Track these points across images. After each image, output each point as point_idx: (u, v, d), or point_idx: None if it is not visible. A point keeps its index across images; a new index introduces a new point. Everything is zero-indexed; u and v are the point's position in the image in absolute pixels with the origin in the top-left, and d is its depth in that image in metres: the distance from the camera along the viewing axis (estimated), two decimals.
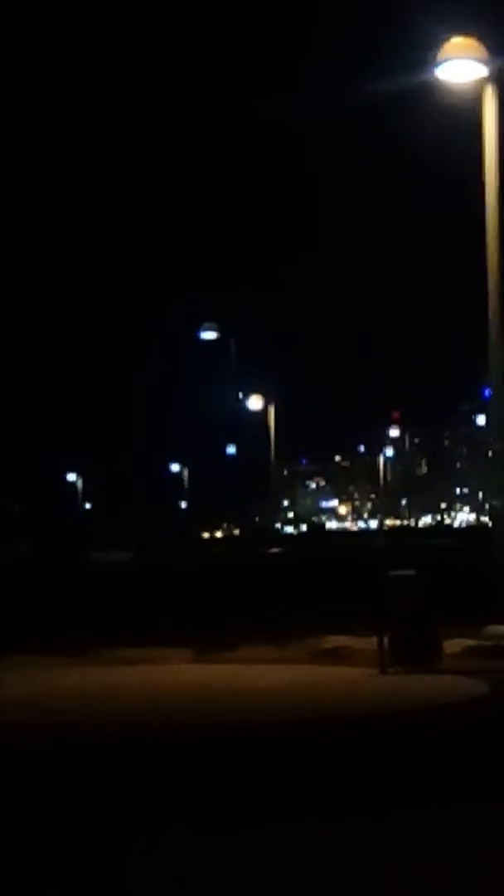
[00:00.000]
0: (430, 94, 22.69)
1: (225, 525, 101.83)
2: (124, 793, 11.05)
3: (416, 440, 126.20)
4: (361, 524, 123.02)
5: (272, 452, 69.12)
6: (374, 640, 19.69)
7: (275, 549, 67.48)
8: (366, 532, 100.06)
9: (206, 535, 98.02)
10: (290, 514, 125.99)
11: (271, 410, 67.45)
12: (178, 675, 19.44)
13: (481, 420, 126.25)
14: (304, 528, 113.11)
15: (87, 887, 8.17)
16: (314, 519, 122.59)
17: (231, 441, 69.16)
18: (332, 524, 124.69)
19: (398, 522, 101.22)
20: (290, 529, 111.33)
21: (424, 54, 22.08)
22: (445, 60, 21.87)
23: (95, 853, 8.96)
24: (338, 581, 33.29)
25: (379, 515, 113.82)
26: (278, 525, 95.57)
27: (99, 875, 8.42)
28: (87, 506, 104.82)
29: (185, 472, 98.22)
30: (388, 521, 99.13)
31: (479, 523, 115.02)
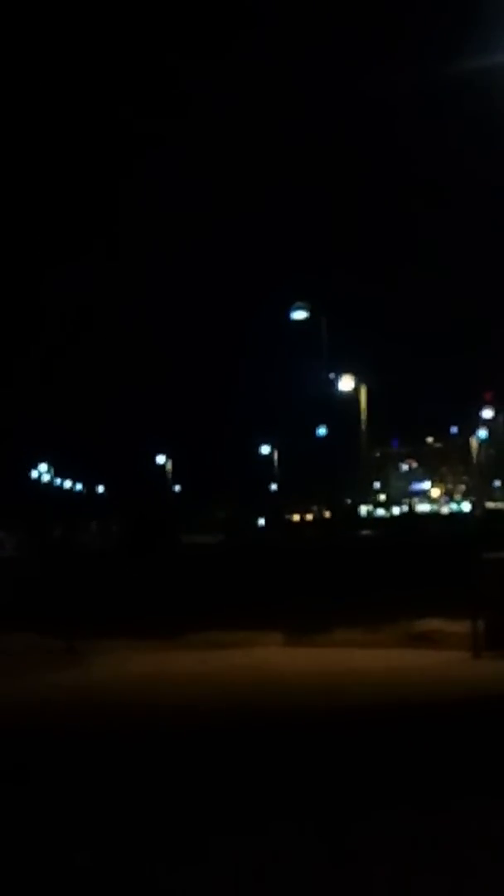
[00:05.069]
0: None
1: (315, 507, 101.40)
2: (226, 774, 10.87)
3: None
4: (453, 506, 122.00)
5: (363, 434, 68.60)
6: (467, 623, 19.38)
7: (365, 532, 66.97)
8: (458, 515, 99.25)
9: (296, 517, 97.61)
10: (382, 497, 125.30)
11: (363, 391, 66.83)
12: (268, 658, 19.24)
13: None
14: (395, 511, 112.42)
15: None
16: (405, 501, 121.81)
17: (322, 422, 68.73)
18: (423, 507, 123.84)
19: (492, 505, 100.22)
20: (381, 512, 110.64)
21: None
22: None
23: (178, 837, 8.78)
24: (430, 564, 32.90)
25: (471, 498, 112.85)
26: (367, 508, 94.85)
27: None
28: (177, 488, 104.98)
29: (276, 454, 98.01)
30: (490, 504, 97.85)
31: None
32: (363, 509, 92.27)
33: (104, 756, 12.13)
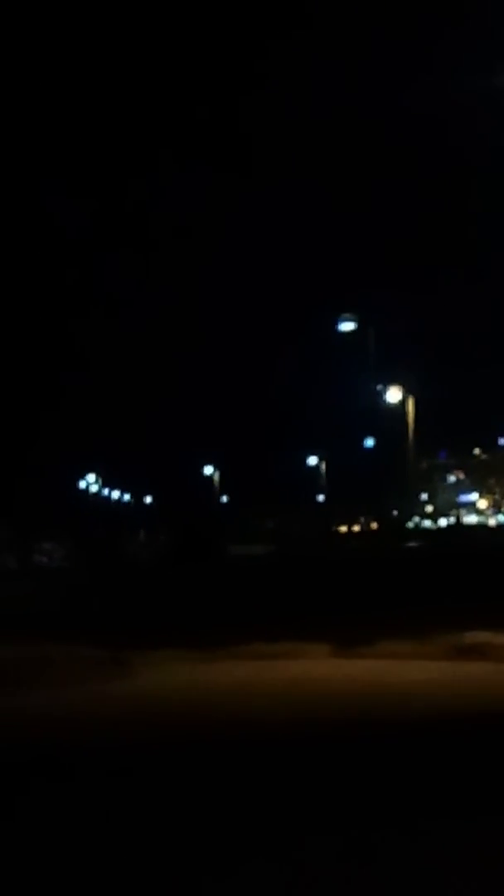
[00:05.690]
0: None
1: (362, 519, 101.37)
2: (266, 790, 10.85)
3: None
4: (501, 518, 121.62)
5: (411, 445, 68.49)
6: None
7: (413, 543, 66.97)
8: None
9: (343, 528, 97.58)
10: (429, 508, 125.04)
11: (410, 402, 66.70)
12: (314, 669, 19.20)
13: None
14: (442, 522, 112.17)
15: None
16: (452, 512, 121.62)
17: (369, 434, 68.70)
18: (471, 518, 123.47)
19: None
20: (427, 523, 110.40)
21: None
22: None
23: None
24: (477, 575, 32.85)
25: None
26: (414, 520, 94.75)
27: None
28: (224, 499, 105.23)
29: (323, 466, 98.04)
30: None
31: None
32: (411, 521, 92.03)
33: (147, 766, 12.14)
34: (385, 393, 63.65)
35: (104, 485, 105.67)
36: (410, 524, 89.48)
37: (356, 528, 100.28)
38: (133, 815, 10.03)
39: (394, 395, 64.77)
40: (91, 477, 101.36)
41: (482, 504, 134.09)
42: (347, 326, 54.56)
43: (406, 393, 65.92)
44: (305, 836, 9.16)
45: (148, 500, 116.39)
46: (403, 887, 7.89)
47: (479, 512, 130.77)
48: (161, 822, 9.77)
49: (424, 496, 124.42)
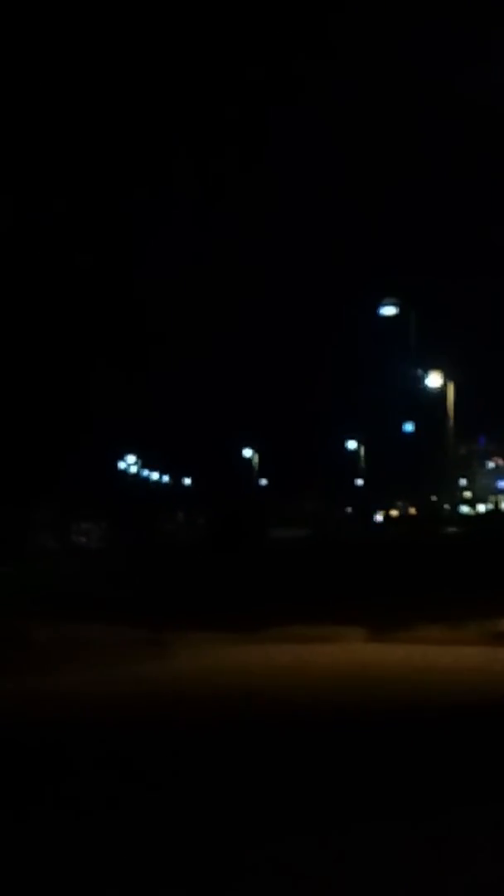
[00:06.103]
0: None
1: (400, 504, 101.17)
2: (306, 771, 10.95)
3: None
4: None
5: (450, 431, 68.26)
6: None
7: (451, 529, 66.80)
8: None
9: (381, 513, 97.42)
10: (467, 494, 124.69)
11: (450, 388, 66.44)
12: (351, 653, 19.28)
13: None
14: (481, 508, 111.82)
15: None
16: (491, 499, 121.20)
17: (409, 418, 68.47)
18: None
19: None
20: (465, 510, 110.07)
21: None
22: None
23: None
24: None
25: None
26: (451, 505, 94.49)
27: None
28: (263, 482, 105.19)
29: (362, 450, 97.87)
30: None
31: None
32: (447, 506, 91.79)
33: (190, 746, 12.24)
34: (425, 378, 63.41)
35: (143, 466, 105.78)
36: (447, 509, 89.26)
37: (394, 512, 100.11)
38: (172, 792, 10.15)
39: (434, 380, 64.51)
40: (130, 458, 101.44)
41: None
42: (389, 311, 54.36)
43: (446, 378, 65.65)
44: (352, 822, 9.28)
45: (187, 481, 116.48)
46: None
47: None
48: (201, 800, 9.88)
49: (463, 482, 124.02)
